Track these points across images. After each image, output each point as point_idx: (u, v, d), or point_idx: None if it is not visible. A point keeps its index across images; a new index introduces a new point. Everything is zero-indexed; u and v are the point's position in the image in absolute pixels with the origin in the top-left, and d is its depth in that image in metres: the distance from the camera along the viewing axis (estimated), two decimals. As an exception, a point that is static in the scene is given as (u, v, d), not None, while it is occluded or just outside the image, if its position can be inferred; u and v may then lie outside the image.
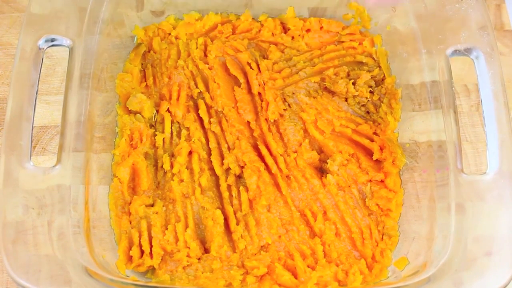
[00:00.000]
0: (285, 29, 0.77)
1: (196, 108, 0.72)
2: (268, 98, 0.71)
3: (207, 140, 0.70)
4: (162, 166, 0.68)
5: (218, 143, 0.70)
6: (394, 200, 0.65)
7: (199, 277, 0.62)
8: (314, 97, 0.72)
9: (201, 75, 0.73)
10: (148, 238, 0.63)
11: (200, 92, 0.73)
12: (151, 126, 0.70)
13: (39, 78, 0.61)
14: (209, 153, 0.69)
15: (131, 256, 0.63)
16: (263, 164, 0.68)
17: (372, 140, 0.69)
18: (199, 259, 0.63)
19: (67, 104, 0.61)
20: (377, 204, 0.66)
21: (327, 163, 0.68)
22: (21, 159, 0.57)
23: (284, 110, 0.71)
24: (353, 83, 0.72)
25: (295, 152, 0.69)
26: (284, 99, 0.72)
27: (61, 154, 0.59)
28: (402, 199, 0.66)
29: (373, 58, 0.74)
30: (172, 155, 0.69)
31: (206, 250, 0.64)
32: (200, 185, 0.67)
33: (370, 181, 0.67)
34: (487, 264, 0.55)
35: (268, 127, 0.70)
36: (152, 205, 0.66)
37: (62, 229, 0.56)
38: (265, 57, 0.75)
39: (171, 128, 0.70)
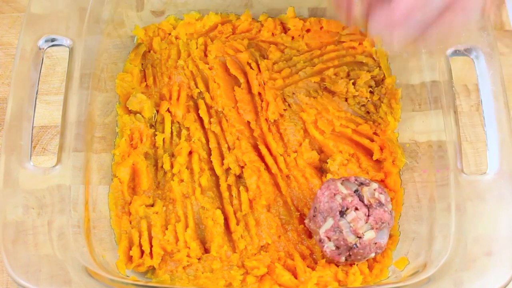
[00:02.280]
0: (285, 29, 0.77)
1: (196, 108, 0.72)
2: (268, 98, 0.71)
3: (207, 140, 0.70)
4: (162, 166, 0.68)
5: (218, 143, 0.70)
6: (394, 199, 0.65)
7: (199, 277, 0.62)
8: (314, 97, 0.72)
9: (201, 75, 0.73)
10: (148, 238, 0.63)
11: (200, 92, 0.73)
12: (151, 126, 0.70)
13: (39, 78, 0.61)
14: (209, 153, 0.69)
15: (131, 256, 0.63)
16: (263, 164, 0.68)
17: (372, 140, 0.69)
18: (199, 259, 0.63)
19: (67, 104, 0.61)
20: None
21: (327, 163, 0.68)
22: (21, 159, 0.57)
23: (284, 110, 0.71)
24: (353, 83, 0.72)
25: (295, 152, 0.69)
26: (284, 99, 0.72)
27: (61, 154, 0.59)
28: (402, 198, 0.66)
29: (373, 58, 0.74)
30: (172, 155, 0.69)
31: (206, 250, 0.64)
32: (200, 185, 0.67)
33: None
34: (487, 264, 0.55)
35: (268, 127, 0.70)
36: (152, 205, 0.66)
37: (62, 229, 0.56)
38: (265, 57, 0.75)
39: (171, 128, 0.70)
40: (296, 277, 0.61)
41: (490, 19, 0.63)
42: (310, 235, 0.65)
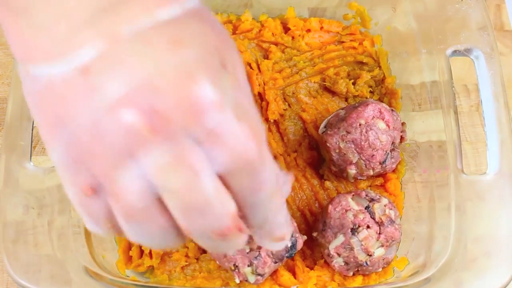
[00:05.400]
0: (285, 29, 0.77)
1: (196, 108, 0.72)
2: (268, 98, 0.71)
3: (208, 140, 0.70)
4: (162, 166, 0.68)
5: (219, 143, 0.70)
6: (395, 203, 0.65)
7: (196, 277, 0.62)
8: (314, 97, 0.72)
9: (202, 75, 0.73)
10: (148, 238, 0.63)
11: (201, 92, 0.73)
12: (151, 126, 0.70)
13: (39, 78, 0.61)
14: (209, 153, 0.69)
15: (131, 256, 0.63)
16: (263, 164, 0.68)
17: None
18: (197, 259, 0.63)
19: (67, 104, 0.61)
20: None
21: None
22: (21, 159, 0.57)
23: (284, 110, 0.71)
24: (353, 83, 0.72)
25: (295, 152, 0.69)
26: (285, 99, 0.72)
27: (61, 154, 0.59)
28: (403, 202, 0.66)
29: (373, 58, 0.74)
30: (172, 155, 0.69)
31: (204, 251, 0.64)
32: (200, 185, 0.66)
33: (370, 186, 0.67)
34: (487, 264, 0.55)
35: (268, 127, 0.70)
36: (152, 205, 0.66)
37: (62, 229, 0.56)
38: (265, 57, 0.75)
39: (171, 128, 0.70)
40: (295, 277, 0.61)
41: (490, 19, 0.63)
42: (310, 235, 0.65)
